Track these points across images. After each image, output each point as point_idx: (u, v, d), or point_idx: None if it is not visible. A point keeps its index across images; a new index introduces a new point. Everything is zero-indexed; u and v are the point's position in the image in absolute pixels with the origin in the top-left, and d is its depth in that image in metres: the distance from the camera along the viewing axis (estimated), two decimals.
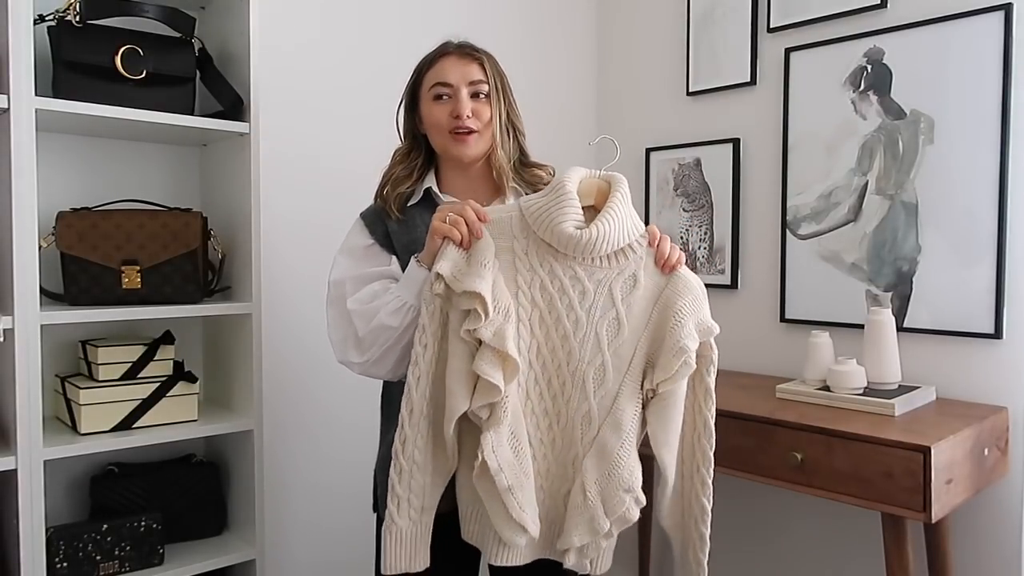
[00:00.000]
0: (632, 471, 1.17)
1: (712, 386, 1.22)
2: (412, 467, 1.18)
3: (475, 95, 1.35)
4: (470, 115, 1.33)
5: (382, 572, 1.20)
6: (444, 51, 1.37)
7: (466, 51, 1.37)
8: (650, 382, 1.18)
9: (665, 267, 1.20)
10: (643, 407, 1.19)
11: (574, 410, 1.19)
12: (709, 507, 1.24)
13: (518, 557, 1.21)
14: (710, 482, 1.24)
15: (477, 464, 1.14)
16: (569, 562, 1.19)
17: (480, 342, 1.13)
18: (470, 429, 1.18)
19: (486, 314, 1.12)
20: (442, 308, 1.18)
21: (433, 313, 1.18)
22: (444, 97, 1.35)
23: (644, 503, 1.20)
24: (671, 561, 2.52)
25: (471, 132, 1.34)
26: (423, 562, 1.20)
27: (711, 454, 1.23)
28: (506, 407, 1.14)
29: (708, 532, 1.25)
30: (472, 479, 1.17)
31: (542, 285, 1.18)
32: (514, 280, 1.18)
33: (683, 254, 1.23)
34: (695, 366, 1.18)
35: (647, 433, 1.20)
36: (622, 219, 1.18)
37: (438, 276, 1.15)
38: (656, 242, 1.21)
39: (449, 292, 1.16)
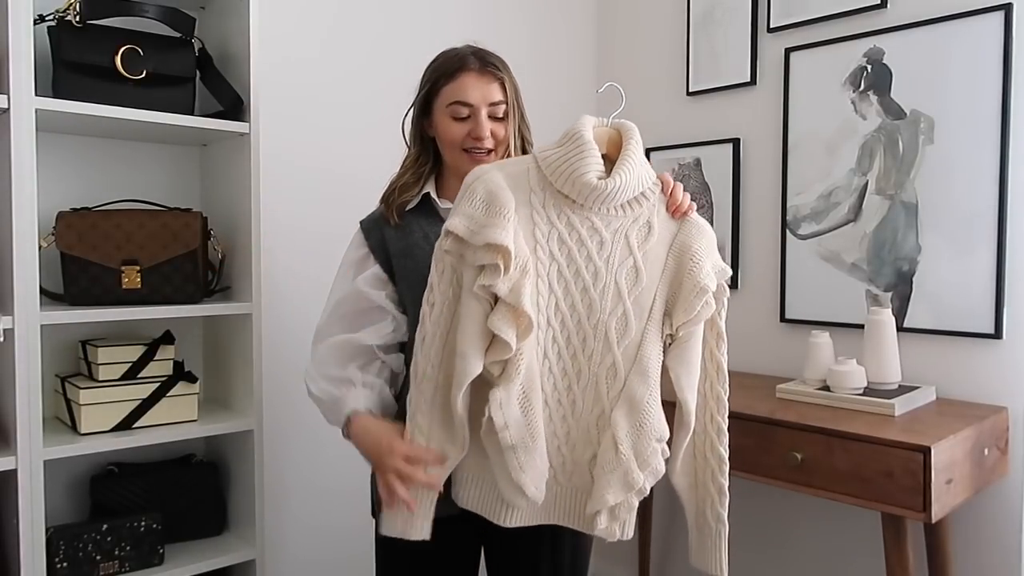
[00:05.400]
0: (661, 420, 1.16)
1: (724, 329, 1.22)
2: (415, 431, 1.15)
3: (493, 116, 1.33)
4: (488, 136, 1.32)
5: (380, 531, 1.20)
6: (465, 65, 1.32)
7: (487, 68, 1.33)
8: (670, 327, 1.17)
9: (676, 213, 1.20)
10: (663, 354, 1.18)
11: (597, 364, 1.16)
12: (727, 456, 1.22)
13: (522, 518, 1.18)
14: (726, 429, 1.22)
15: (484, 420, 1.10)
16: (600, 525, 1.15)
17: (495, 298, 1.09)
18: (480, 390, 1.13)
19: (507, 268, 1.08)
20: (453, 267, 1.13)
21: (443, 272, 1.13)
22: (464, 117, 1.31)
23: (668, 454, 1.18)
24: (670, 562, 2.53)
25: (488, 152, 1.32)
26: (420, 531, 1.18)
27: (726, 400, 1.22)
28: (519, 365, 1.10)
29: (727, 484, 1.22)
30: (480, 440, 1.14)
31: (560, 238, 1.15)
32: (532, 234, 1.14)
33: (693, 203, 1.23)
34: (715, 306, 1.18)
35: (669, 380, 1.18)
36: (639, 167, 1.17)
37: (448, 233, 1.11)
38: (669, 189, 1.21)
39: (462, 248, 1.11)
